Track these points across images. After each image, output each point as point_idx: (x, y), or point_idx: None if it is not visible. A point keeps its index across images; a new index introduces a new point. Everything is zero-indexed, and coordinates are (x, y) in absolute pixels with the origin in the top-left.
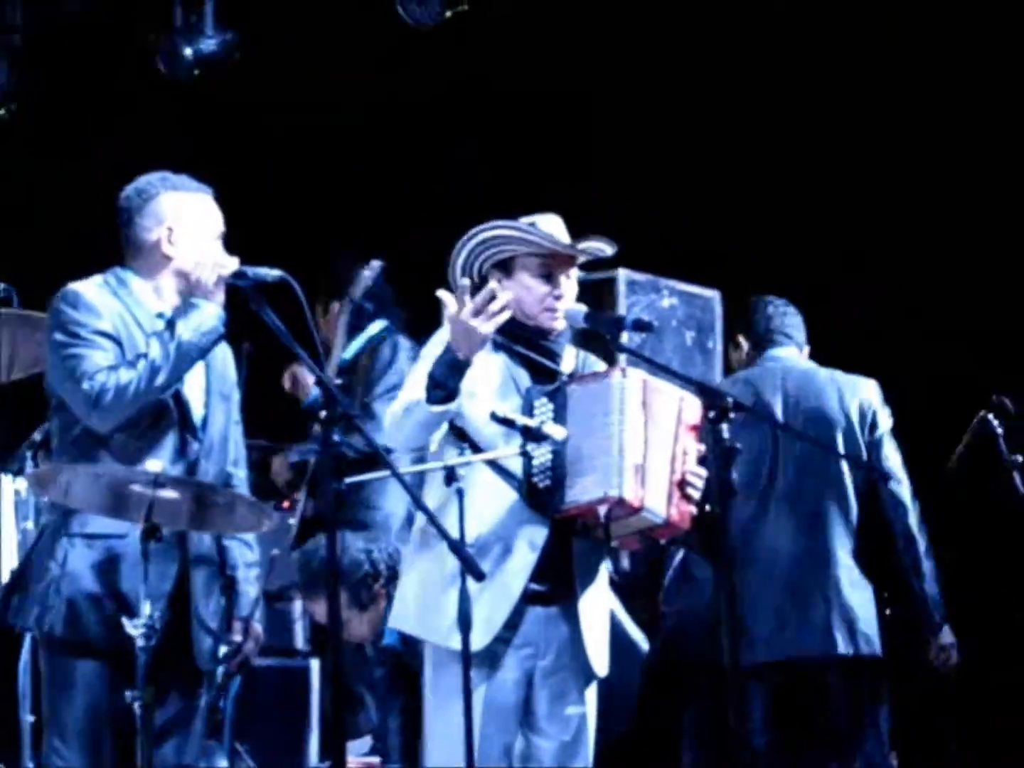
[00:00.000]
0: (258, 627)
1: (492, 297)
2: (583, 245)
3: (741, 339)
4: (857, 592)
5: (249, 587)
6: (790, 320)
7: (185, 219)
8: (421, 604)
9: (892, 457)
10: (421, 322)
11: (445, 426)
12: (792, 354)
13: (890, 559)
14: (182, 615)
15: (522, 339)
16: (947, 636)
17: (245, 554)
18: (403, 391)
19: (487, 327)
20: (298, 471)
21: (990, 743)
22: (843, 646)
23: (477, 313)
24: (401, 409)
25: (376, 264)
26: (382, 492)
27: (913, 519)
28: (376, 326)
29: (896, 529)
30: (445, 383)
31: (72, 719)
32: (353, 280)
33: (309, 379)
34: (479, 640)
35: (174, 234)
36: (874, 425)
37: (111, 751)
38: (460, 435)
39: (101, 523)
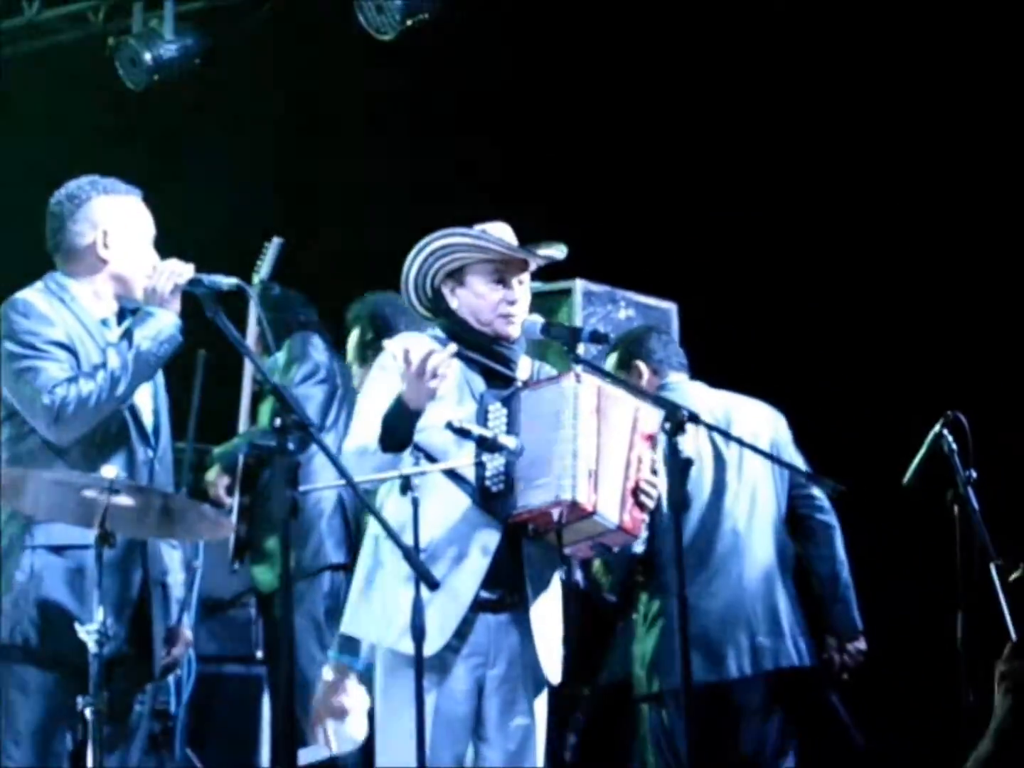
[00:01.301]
0: (187, 632)
1: (429, 354)
2: (536, 250)
3: (641, 365)
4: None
5: (177, 592)
6: (677, 349)
7: (118, 222)
8: (374, 609)
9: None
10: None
11: None
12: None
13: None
14: (143, 621)
15: (477, 345)
16: (863, 643)
17: (174, 557)
18: (356, 425)
19: (434, 383)
20: (230, 472)
21: None
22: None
23: (421, 374)
24: (355, 453)
25: (276, 241)
26: (310, 478)
27: (838, 534)
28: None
29: (821, 540)
30: (397, 431)
31: (28, 725)
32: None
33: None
34: (431, 646)
35: (109, 237)
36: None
37: (64, 758)
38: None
39: (66, 534)
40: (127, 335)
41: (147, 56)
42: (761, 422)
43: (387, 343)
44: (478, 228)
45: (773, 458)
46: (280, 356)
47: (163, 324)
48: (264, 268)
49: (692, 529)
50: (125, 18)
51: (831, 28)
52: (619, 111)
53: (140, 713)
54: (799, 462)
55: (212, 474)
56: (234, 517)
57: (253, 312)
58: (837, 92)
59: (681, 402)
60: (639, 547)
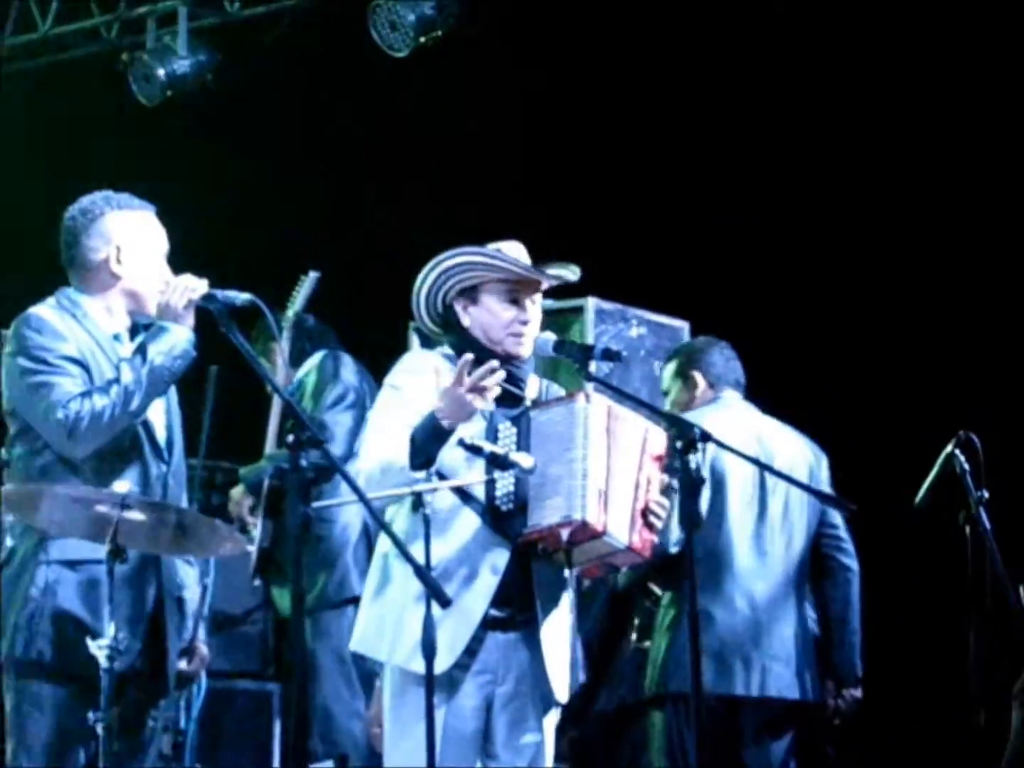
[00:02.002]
0: (203, 647)
1: (491, 371)
2: (549, 271)
3: (697, 376)
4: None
5: (193, 607)
6: (738, 366)
7: (132, 237)
8: (383, 627)
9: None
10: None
11: None
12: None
13: (825, 609)
14: (158, 636)
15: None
16: (859, 691)
17: (189, 573)
18: (370, 440)
19: (480, 403)
20: (254, 492)
21: None
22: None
23: (474, 389)
24: (378, 470)
25: (313, 275)
26: (336, 506)
27: (856, 579)
28: (318, 355)
29: (838, 582)
30: (426, 449)
31: (40, 740)
32: (292, 293)
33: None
34: (440, 664)
35: (122, 253)
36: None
37: None
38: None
39: (80, 549)
40: (141, 350)
41: (160, 72)
42: (798, 455)
43: (404, 362)
44: (492, 247)
45: (799, 483)
46: (310, 377)
47: (177, 339)
48: (298, 300)
49: (724, 539)
50: (139, 34)
51: (842, 43)
52: (632, 129)
53: (153, 729)
54: (833, 510)
55: (237, 493)
56: (257, 537)
57: (274, 328)
58: (851, 109)
59: (718, 419)
60: (674, 548)
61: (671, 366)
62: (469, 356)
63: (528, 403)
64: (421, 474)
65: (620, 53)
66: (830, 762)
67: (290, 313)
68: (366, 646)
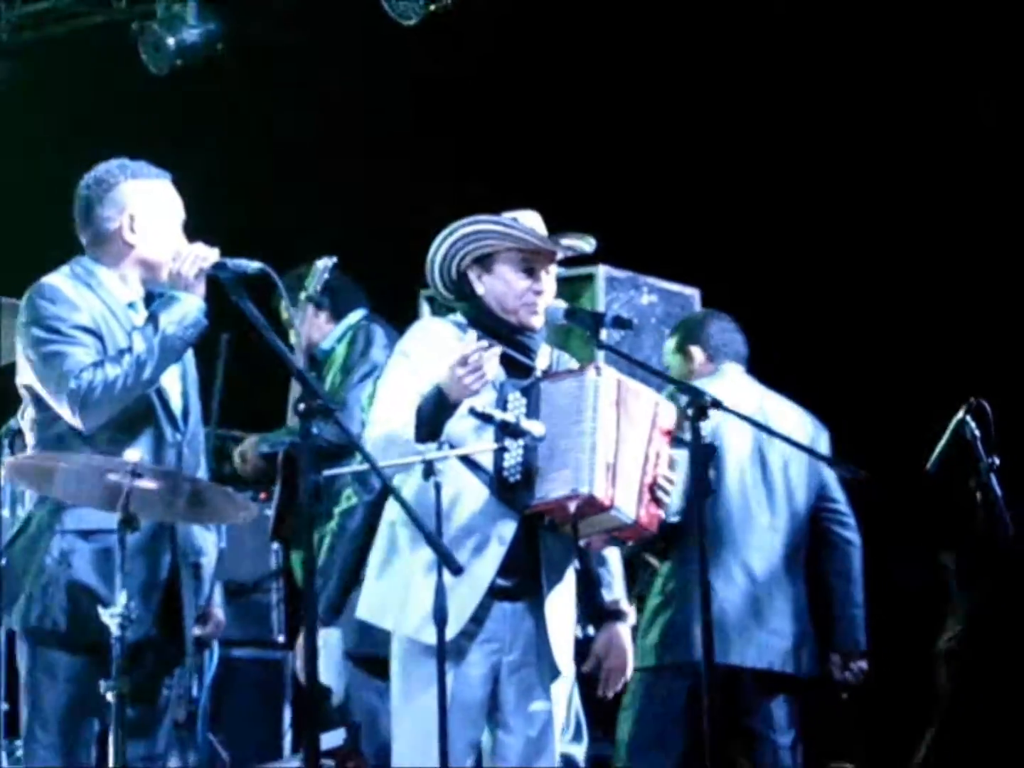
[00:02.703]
0: (219, 612)
1: (486, 349)
2: (565, 241)
3: (695, 350)
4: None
5: (210, 572)
6: (737, 337)
7: (146, 206)
8: (391, 597)
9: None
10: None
11: None
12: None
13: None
14: (173, 604)
15: (498, 333)
16: (865, 662)
17: (207, 538)
18: (379, 409)
19: (478, 385)
20: (269, 462)
21: None
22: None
23: (474, 370)
24: (383, 439)
25: (329, 260)
26: (347, 473)
27: (858, 552)
28: (355, 315)
29: (839, 555)
30: (432, 421)
31: (55, 708)
32: (308, 275)
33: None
34: (447, 632)
35: (136, 222)
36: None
37: (91, 742)
38: None
39: (96, 518)
40: (152, 319)
41: (170, 41)
42: (798, 429)
43: (415, 330)
44: (508, 216)
45: (810, 450)
46: (340, 348)
47: (188, 308)
48: (312, 284)
49: (722, 512)
50: (148, 3)
51: (845, 17)
52: (643, 97)
53: (167, 697)
54: (832, 480)
55: (248, 447)
56: (275, 501)
57: (285, 297)
58: (860, 76)
59: (715, 391)
60: (674, 517)
61: (671, 342)
62: (472, 335)
63: (539, 374)
64: (425, 445)
65: (630, 18)
66: (835, 733)
67: (303, 296)
68: (373, 615)
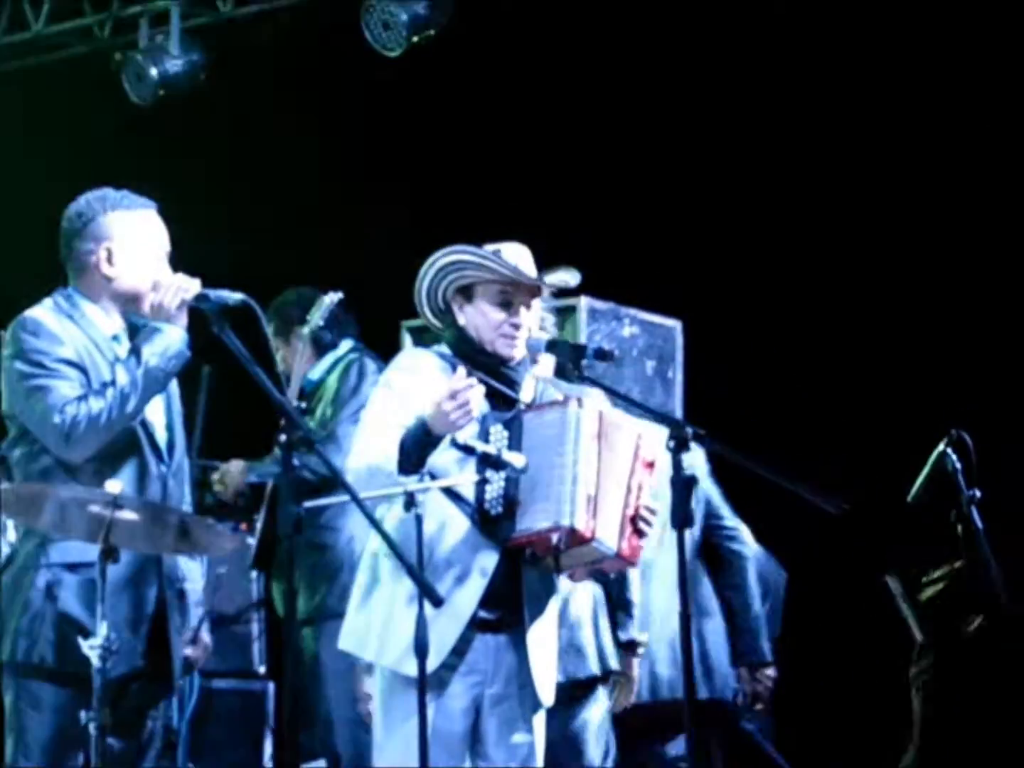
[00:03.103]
0: (206, 637)
1: (470, 387)
2: (549, 278)
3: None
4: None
5: (196, 598)
6: None
7: (124, 239)
8: (373, 627)
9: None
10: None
11: None
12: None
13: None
14: (161, 635)
15: (482, 365)
16: (773, 671)
17: (191, 566)
18: (362, 439)
19: (464, 420)
20: (256, 491)
21: None
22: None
23: (461, 406)
24: (366, 470)
25: (335, 295)
26: (344, 514)
27: (751, 564)
28: (344, 346)
29: (733, 570)
30: (415, 454)
31: (39, 741)
32: (311, 308)
33: (238, 479)
34: (428, 664)
35: (114, 255)
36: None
37: None
38: None
39: (80, 551)
40: (135, 351)
41: (153, 71)
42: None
43: (399, 361)
44: (492, 248)
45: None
46: (331, 380)
47: (170, 340)
48: (316, 317)
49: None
50: (131, 33)
51: (836, 42)
52: (624, 129)
53: (152, 729)
54: (715, 493)
55: (234, 472)
56: (258, 530)
57: (265, 329)
58: (841, 108)
59: None
60: None
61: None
62: (462, 371)
63: (522, 406)
64: (407, 477)
65: (614, 52)
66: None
67: (306, 330)
68: (355, 645)
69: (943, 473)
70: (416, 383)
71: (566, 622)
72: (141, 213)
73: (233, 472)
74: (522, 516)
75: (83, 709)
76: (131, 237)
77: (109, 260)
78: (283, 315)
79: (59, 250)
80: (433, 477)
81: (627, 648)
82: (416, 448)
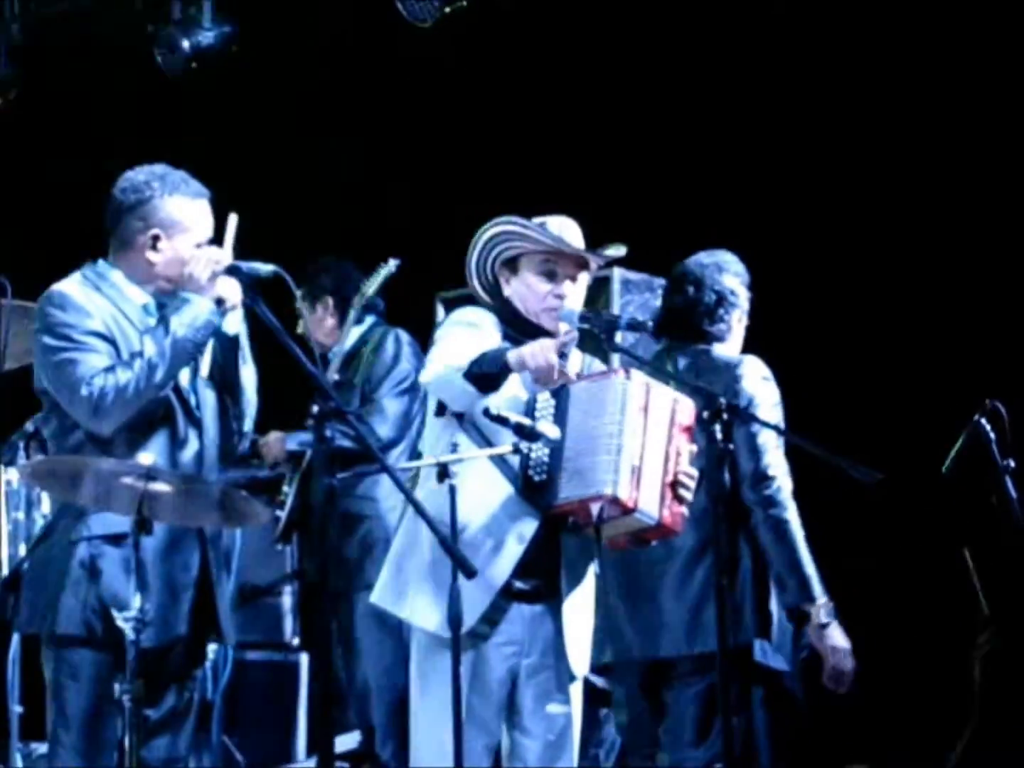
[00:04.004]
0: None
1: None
2: (598, 251)
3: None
4: None
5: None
6: None
7: (172, 227)
8: (405, 584)
9: None
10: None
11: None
12: None
13: None
14: (206, 601)
15: (529, 334)
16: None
17: (234, 536)
18: (442, 352)
19: (550, 377)
20: (296, 460)
21: None
22: None
23: (554, 367)
24: (443, 368)
25: (393, 262)
26: (380, 483)
27: None
28: (368, 319)
29: None
30: (484, 378)
31: (78, 711)
32: (365, 278)
33: (272, 448)
34: (464, 624)
35: (159, 242)
36: None
37: (114, 744)
38: (462, 419)
39: (121, 523)
40: (163, 321)
41: (185, 43)
42: None
43: (472, 309)
44: (538, 220)
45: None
46: (367, 351)
47: (199, 311)
48: (373, 285)
49: None
50: (164, 5)
51: (850, 31)
52: (654, 96)
53: (190, 699)
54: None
55: (273, 441)
56: (288, 503)
57: (298, 300)
58: (860, 87)
59: None
60: None
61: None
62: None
63: (573, 377)
64: (471, 388)
65: (655, 25)
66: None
67: (362, 296)
68: (387, 600)
69: (977, 444)
70: (492, 328)
71: None
72: (194, 203)
73: (272, 443)
74: (565, 484)
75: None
76: (181, 228)
77: (154, 246)
78: (314, 282)
79: (105, 216)
80: (484, 438)
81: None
82: (487, 369)
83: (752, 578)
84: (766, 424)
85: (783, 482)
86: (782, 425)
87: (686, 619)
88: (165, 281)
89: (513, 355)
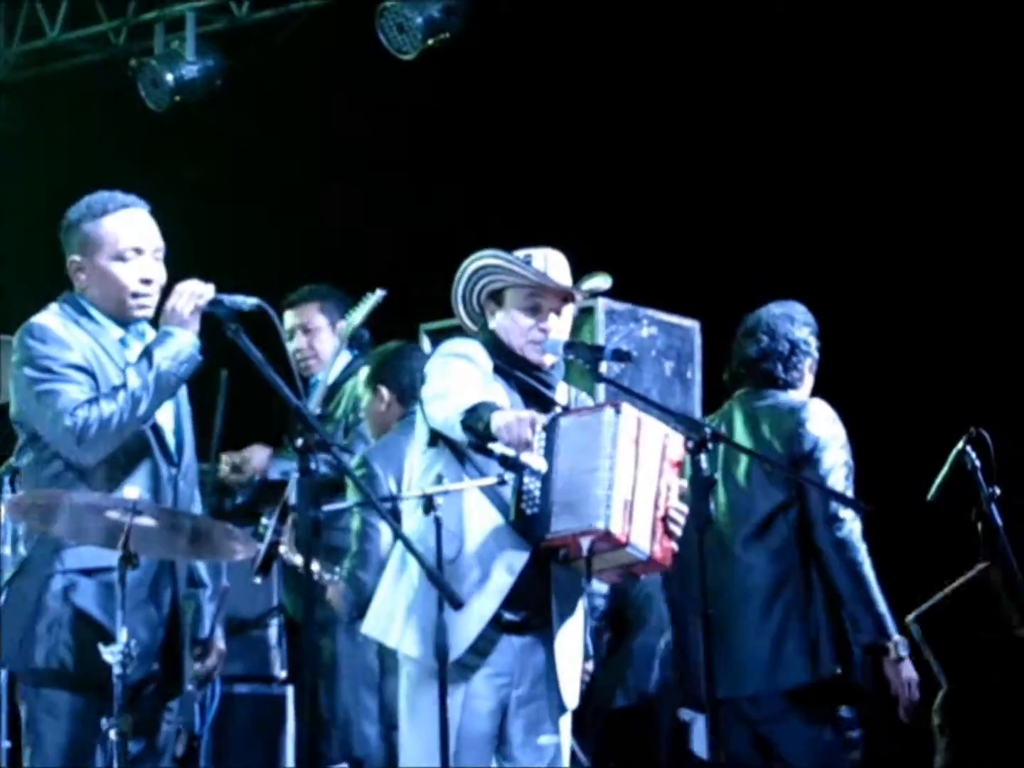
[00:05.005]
0: (221, 644)
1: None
2: (584, 286)
3: (384, 391)
4: None
5: (210, 605)
6: None
7: (92, 246)
8: (395, 613)
9: None
10: None
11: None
12: None
13: None
14: (174, 639)
15: (519, 367)
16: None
17: (203, 572)
18: (447, 387)
19: (522, 449)
20: (277, 490)
21: None
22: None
23: (527, 440)
24: (444, 418)
25: (380, 292)
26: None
27: None
28: (350, 354)
29: None
30: (476, 432)
31: (56, 748)
32: (352, 306)
33: (256, 460)
34: (452, 654)
35: (82, 266)
36: None
37: None
38: (451, 446)
39: (97, 556)
40: (147, 355)
41: (168, 77)
42: None
43: (461, 341)
44: (523, 253)
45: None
46: (350, 386)
47: (182, 344)
48: (359, 315)
49: None
50: (147, 39)
51: (848, 40)
52: (641, 129)
53: (167, 732)
54: None
55: (263, 455)
56: (268, 535)
57: (281, 332)
58: (858, 108)
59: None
60: None
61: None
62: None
63: (559, 409)
64: (468, 437)
65: (632, 52)
66: None
67: (348, 326)
68: (377, 630)
69: (962, 471)
70: (483, 360)
71: None
72: (120, 215)
73: (259, 456)
74: (557, 517)
75: (100, 715)
76: (102, 244)
77: (79, 272)
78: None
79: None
80: (477, 468)
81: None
82: (479, 424)
83: (826, 614)
84: (752, 453)
85: (853, 524)
86: (851, 464)
87: (766, 657)
88: (99, 301)
89: (495, 424)
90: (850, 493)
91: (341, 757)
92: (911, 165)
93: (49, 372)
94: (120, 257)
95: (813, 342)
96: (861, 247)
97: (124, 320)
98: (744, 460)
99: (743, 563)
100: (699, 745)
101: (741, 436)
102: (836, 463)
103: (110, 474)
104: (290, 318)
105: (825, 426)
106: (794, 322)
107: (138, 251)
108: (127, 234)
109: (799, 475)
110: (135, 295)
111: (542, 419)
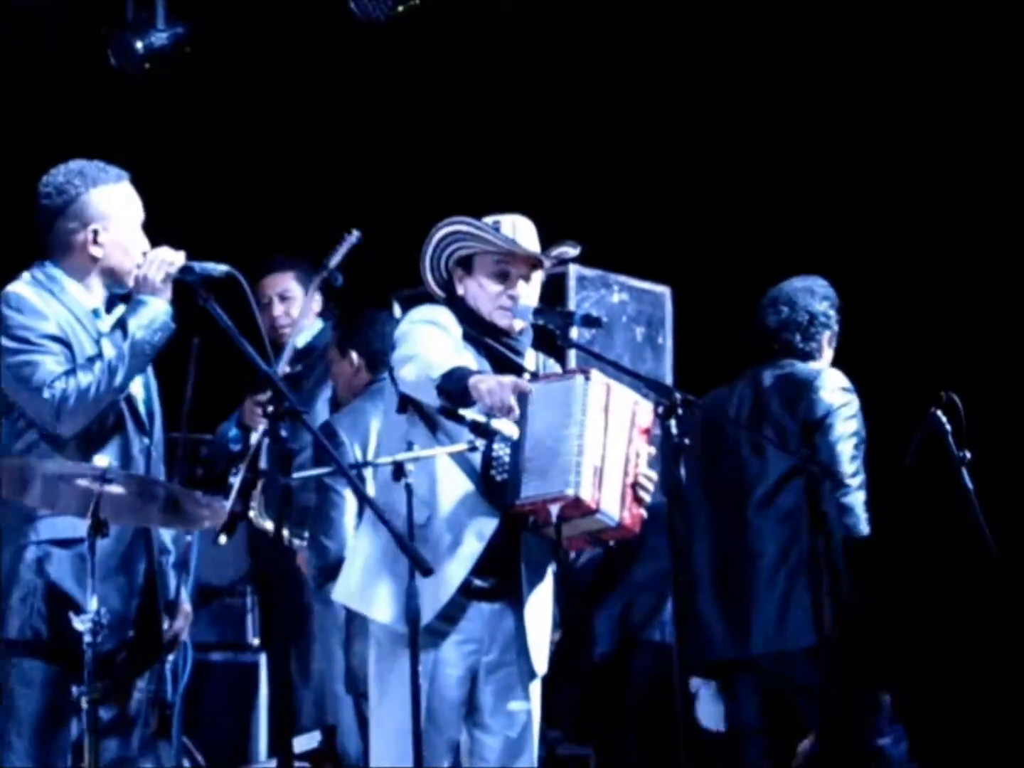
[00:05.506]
0: (187, 605)
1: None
2: (553, 252)
3: (353, 354)
4: None
5: (171, 568)
6: None
7: (108, 217)
8: (366, 580)
9: None
10: None
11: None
12: None
13: None
14: (149, 608)
15: (488, 333)
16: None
17: (165, 536)
18: (419, 351)
19: (501, 413)
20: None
21: None
22: None
23: (508, 410)
24: (415, 378)
25: (355, 234)
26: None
27: None
28: (319, 324)
29: None
30: (452, 396)
31: (31, 717)
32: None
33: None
34: (423, 618)
35: (100, 235)
36: None
37: (67, 749)
38: (422, 413)
39: (70, 527)
40: (120, 324)
41: (138, 45)
42: None
43: (432, 308)
44: (491, 219)
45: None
46: (316, 353)
47: (156, 312)
48: (334, 258)
49: None
50: (117, 6)
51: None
52: (610, 95)
53: (140, 699)
54: None
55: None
56: (232, 498)
57: (251, 300)
58: (831, 80)
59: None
60: None
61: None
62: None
63: (527, 376)
64: (443, 401)
65: (601, 24)
66: None
67: (324, 269)
68: (348, 597)
69: (934, 435)
70: (451, 328)
71: None
72: (119, 187)
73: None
74: (527, 483)
75: (73, 684)
76: (116, 215)
77: (96, 240)
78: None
79: (36, 225)
80: (448, 436)
81: None
82: (456, 388)
83: (831, 578)
84: (736, 423)
85: (859, 492)
86: (862, 433)
87: (773, 619)
88: (112, 274)
89: (473, 387)
90: (860, 463)
91: (314, 724)
92: (886, 137)
93: (27, 343)
94: (135, 228)
95: (833, 315)
96: (832, 209)
97: (117, 289)
98: (758, 426)
99: (754, 527)
100: (705, 715)
101: (758, 404)
102: (846, 431)
103: (85, 445)
104: (266, 287)
105: (838, 395)
106: (814, 295)
107: (139, 224)
108: (137, 206)
109: (791, 451)
110: (139, 266)
111: (526, 385)
